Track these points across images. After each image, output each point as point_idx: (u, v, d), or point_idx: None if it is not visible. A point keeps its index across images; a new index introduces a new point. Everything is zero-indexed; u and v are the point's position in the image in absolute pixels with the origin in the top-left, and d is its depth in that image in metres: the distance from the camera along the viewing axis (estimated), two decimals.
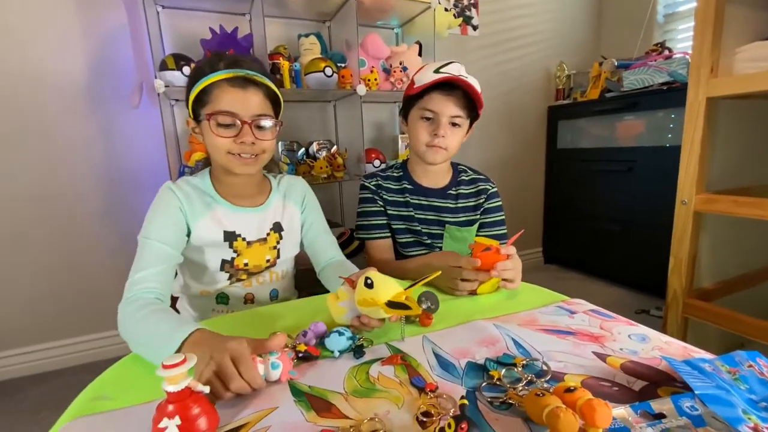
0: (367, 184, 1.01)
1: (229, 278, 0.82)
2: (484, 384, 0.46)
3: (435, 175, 1.00)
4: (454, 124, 0.90)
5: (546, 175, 2.64)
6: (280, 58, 1.47)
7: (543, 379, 0.45)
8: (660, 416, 0.39)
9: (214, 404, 0.42)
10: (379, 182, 1.00)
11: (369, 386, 0.47)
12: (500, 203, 1.03)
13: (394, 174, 1.02)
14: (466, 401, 0.40)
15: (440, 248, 1.00)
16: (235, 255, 0.80)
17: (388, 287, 0.54)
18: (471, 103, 0.90)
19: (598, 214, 2.24)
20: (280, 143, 1.62)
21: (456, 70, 0.88)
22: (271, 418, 0.42)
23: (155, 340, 0.55)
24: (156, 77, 1.26)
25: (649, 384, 0.45)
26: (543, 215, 2.70)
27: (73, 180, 1.50)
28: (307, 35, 1.59)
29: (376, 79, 1.60)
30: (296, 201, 0.89)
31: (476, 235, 1.00)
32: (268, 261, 0.84)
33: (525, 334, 0.57)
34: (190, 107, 0.74)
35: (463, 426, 0.35)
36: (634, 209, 2.01)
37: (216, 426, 0.41)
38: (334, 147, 1.72)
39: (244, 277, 0.83)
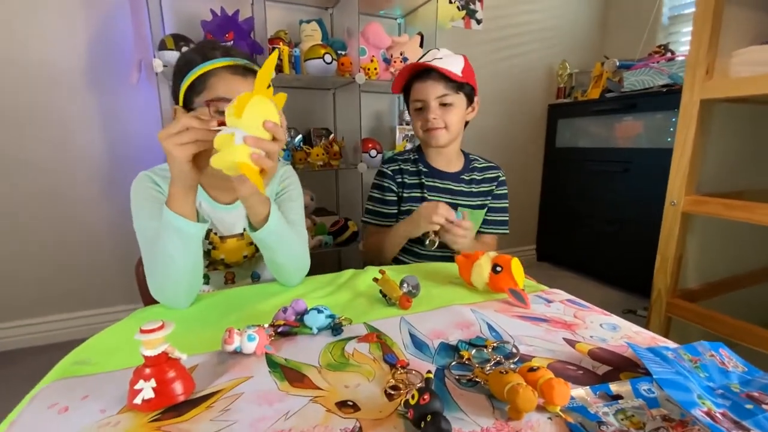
0: (385, 170, 1.04)
1: (208, 266, 0.83)
2: (453, 363, 0.47)
3: (447, 159, 1.04)
4: (444, 104, 0.94)
5: (543, 173, 2.64)
6: (281, 43, 1.47)
7: (511, 361, 0.47)
8: (617, 397, 0.40)
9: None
10: (400, 166, 1.04)
11: (343, 361, 0.48)
12: (506, 191, 1.08)
13: (411, 157, 1.06)
14: (431, 375, 0.41)
15: None
16: (211, 247, 0.81)
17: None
18: (454, 80, 0.92)
19: (592, 214, 2.26)
20: None
21: (430, 56, 0.93)
22: (244, 386, 0.43)
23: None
24: (155, 56, 1.26)
25: (613, 369, 0.46)
26: (538, 212, 2.71)
27: (73, 156, 1.51)
28: (308, 21, 1.59)
29: (376, 69, 1.60)
30: (272, 190, 0.86)
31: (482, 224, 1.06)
32: (245, 257, 0.84)
33: (500, 320, 0.59)
34: (182, 94, 0.72)
35: (425, 397, 0.36)
36: (629, 210, 2.02)
37: (191, 391, 0.42)
38: (332, 135, 1.72)
39: (221, 267, 0.84)
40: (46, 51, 1.41)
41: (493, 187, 1.05)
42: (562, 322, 0.58)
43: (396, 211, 1.04)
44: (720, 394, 0.41)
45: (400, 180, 1.03)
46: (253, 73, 0.73)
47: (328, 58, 1.45)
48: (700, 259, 1.23)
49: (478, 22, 2.21)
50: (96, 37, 1.46)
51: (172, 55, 1.27)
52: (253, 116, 0.51)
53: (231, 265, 0.85)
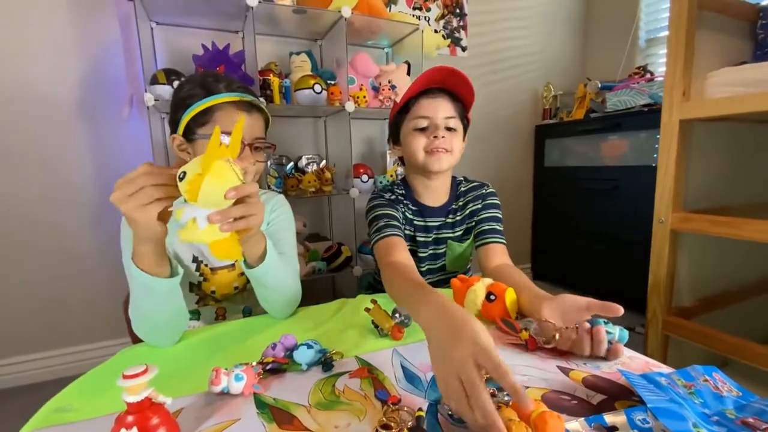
0: (384, 195, 0.94)
1: (198, 302, 0.82)
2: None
3: (436, 192, 0.94)
4: (449, 128, 0.86)
5: (534, 193, 2.68)
6: (271, 75, 1.50)
7: (504, 393, 0.46)
8: (613, 429, 0.39)
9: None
10: (398, 197, 0.94)
11: (333, 399, 0.47)
12: (495, 201, 0.97)
13: (399, 191, 0.96)
14: (423, 413, 0.40)
15: (443, 266, 0.97)
16: (202, 279, 0.80)
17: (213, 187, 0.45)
18: (460, 105, 0.88)
19: (584, 232, 2.27)
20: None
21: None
22: (231, 429, 0.42)
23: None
24: (146, 91, 1.28)
25: (608, 398, 0.45)
26: (531, 231, 2.73)
27: (63, 189, 1.50)
28: (298, 53, 1.63)
29: (365, 97, 1.64)
30: (263, 220, 0.85)
31: (479, 238, 0.93)
32: (236, 288, 0.83)
33: None
34: (183, 125, 0.72)
35: None
36: (620, 227, 2.04)
37: None
38: (323, 161, 1.74)
39: (212, 303, 0.83)
40: (38, 84, 1.43)
41: (479, 205, 0.96)
42: (555, 350, 0.57)
43: (402, 225, 0.91)
44: (715, 420, 0.40)
45: (401, 210, 0.93)
46: (257, 109, 0.75)
47: (317, 88, 1.49)
48: (692, 275, 1.24)
49: (463, 49, 2.28)
50: (89, 71, 1.49)
51: (164, 89, 1.30)
52: (210, 192, 0.45)
53: (221, 299, 0.84)
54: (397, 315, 0.65)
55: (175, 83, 1.31)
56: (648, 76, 2.10)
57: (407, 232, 0.94)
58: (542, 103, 2.60)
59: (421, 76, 0.85)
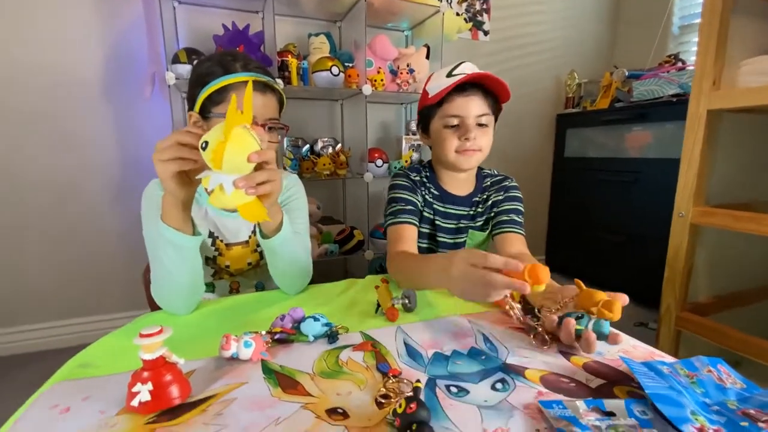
0: (409, 174, 0.94)
1: (213, 275, 0.85)
2: (444, 373, 0.47)
3: (462, 182, 0.94)
4: (480, 125, 0.85)
5: (552, 183, 2.63)
6: (289, 56, 1.51)
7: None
8: (610, 414, 0.40)
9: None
10: (422, 178, 0.94)
11: (337, 369, 0.49)
12: (517, 194, 0.96)
13: (423, 174, 0.96)
14: (420, 384, 0.41)
15: None
16: (217, 254, 0.82)
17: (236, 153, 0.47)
18: (493, 99, 0.86)
19: (602, 224, 2.23)
20: (285, 139, 1.66)
21: (469, 68, 0.84)
22: (238, 391, 0.44)
23: None
24: (168, 70, 1.30)
25: (607, 383, 0.46)
26: (547, 223, 2.69)
27: (87, 166, 1.56)
28: (317, 34, 1.63)
29: (382, 80, 1.62)
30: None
31: (497, 227, 0.92)
32: (249, 264, 0.86)
33: (496, 331, 0.59)
34: (200, 103, 0.73)
35: (412, 406, 0.36)
36: (639, 220, 1.99)
37: (187, 395, 0.43)
38: (339, 145, 1.75)
39: (226, 276, 0.86)
40: (65, 63, 1.47)
41: (500, 196, 0.95)
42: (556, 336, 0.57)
43: (419, 211, 0.92)
44: (715, 410, 0.40)
45: (422, 193, 0.94)
46: (271, 89, 0.76)
47: (335, 70, 1.48)
48: (710, 271, 1.21)
49: (485, 33, 2.23)
50: (112, 50, 1.52)
51: (185, 69, 1.32)
52: (234, 158, 0.47)
53: (235, 273, 0.87)
54: (400, 298, 0.66)
55: (196, 61, 1.33)
56: (679, 64, 2.01)
57: (426, 214, 0.94)
58: (565, 91, 2.53)
59: (458, 80, 0.82)
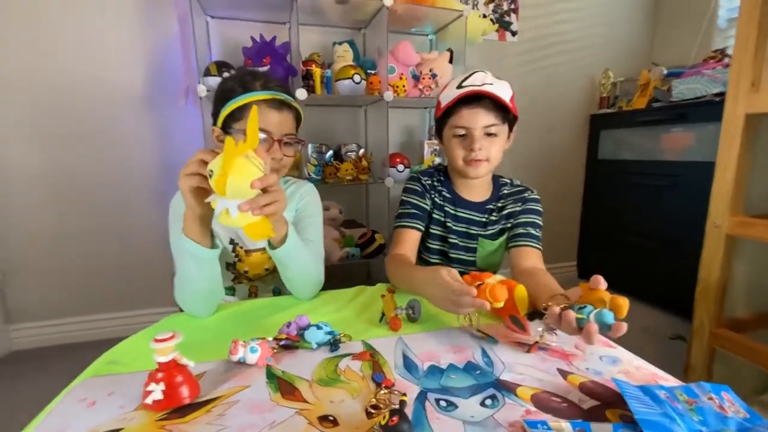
0: (421, 179, 0.97)
1: (233, 279, 0.90)
2: (437, 386, 0.48)
3: (474, 188, 0.96)
4: (489, 134, 0.86)
5: (585, 186, 2.53)
6: (313, 65, 1.55)
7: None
8: None
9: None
10: (434, 183, 0.98)
11: (334, 377, 0.51)
12: (536, 207, 0.95)
13: (437, 178, 0.99)
14: (405, 398, 0.43)
15: (473, 261, 0.97)
16: (237, 260, 0.88)
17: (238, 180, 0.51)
18: (502, 109, 0.86)
19: (637, 230, 2.12)
20: (309, 145, 1.71)
21: (479, 79, 0.84)
22: (241, 394, 0.48)
23: None
24: (199, 82, 1.38)
25: (600, 404, 0.45)
26: (579, 227, 2.59)
27: (130, 172, 1.69)
28: (341, 43, 1.67)
29: (404, 86, 1.64)
30: (292, 206, 0.89)
31: (513, 240, 0.92)
32: (267, 270, 0.90)
33: (496, 346, 0.59)
34: (222, 119, 0.78)
35: (394, 419, 0.38)
36: (676, 227, 1.88)
37: (196, 395, 0.48)
38: (362, 150, 1.78)
39: (245, 281, 0.91)
40: (111, 76, 1.60)
41: (518, 207, 0.94)
42: (560, 352, 0.57)
43: (428, 217, 0.96)
44: None
45: (432, 196, 0.97)
46: (288, 106, 0.80)
47: (357, 78, 1.52)
48: (749, 285, 1.13)
49: (513, 34, 2.18)
50: (152, 63, 1.64)
51: (215, 81, 1.39)
52: (236, 186, 0.52)
53: (254, 278, 0.92)
54: (404, 308, 0.67)
55: (225, 74, 1.40)
56: (726, 60, 1.88)
57: (437, 216, 0.96)
58: (599, 90, 2.43)
59: (462, 92, 0.85)
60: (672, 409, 0.42)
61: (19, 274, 1.64)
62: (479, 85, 0.83)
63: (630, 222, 2.17)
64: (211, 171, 0.52)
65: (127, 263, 1.76)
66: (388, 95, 1.57)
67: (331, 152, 1.72)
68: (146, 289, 1.78)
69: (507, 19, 2.15)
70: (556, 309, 0.54)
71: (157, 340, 0.46)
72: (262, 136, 0.76)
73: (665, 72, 1.98)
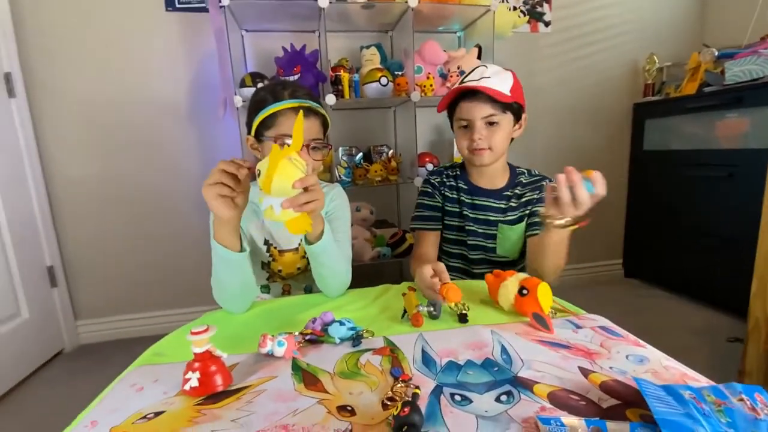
0: (431, 180, 1.07)
1: (268, 278, 0.96)
2: (453, 381, 0.49)
3: (491, 176, 1.02)
4: (491, 123, 0.92)
5: (629, 180, 2.39)
6: (342, 70, 1.60)
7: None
8: None
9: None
10: (443, 179, 1.06)
11: (355, 370, 0.54)
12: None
13: (452, 173, 1.07)
14: (419, 391, 0.44)
15: (493, 248, 1.02)
16: (271, 259, 0.93)
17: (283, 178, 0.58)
18: (502, 102, 0.90)
19: (689, 225, 1.98)
20: (340, 148, 1.76)
21: (478, 74, 0.91)
22: (268, 384, 0.52)
23: None
24: (236, 94, 1.47)
25: (620, 404, 0.44)
26: (624, 223, 2.45)
27: (178, 180, 1.82)
28: (368, 47, 1.70)
29: (431, 85, 1.64)
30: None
31: (530, 229, 0.98)
32: (299, 269, 0.95)
33: (517, 343, 0.59)
34: (255, 128, 0.84)
35: (405, 409, 0.40)
36: (734, 221, 1.73)
37: (228, 383, 0.52)
38: (391, 151, 1.80)
39: (279, 280, 0.96)
40: (156, 88, 1.75)
41: (536, 194, 0.99)
42: (584, 350, 0.56)
43: (440, 214, 1.05)
44: None
45: (441, 192, 1.05)
46: (315, 113, 0.84)
47: (384, 80, 1.54)
48: None
49: (546, 24, 2.11)
50: (194, 77, 1.76)
51: (250, 92, 1.47)
52: (279, 186, 0.59)
53: (287, 277, 0.97)
54: (426, 305, 0.69)
55: (259, 85, 1.48)
56: None
57: (450, 208, 1.04)
58: (644, 77, 2.28)
59: (448, 92, 0.96)
60: (697, 410, 0.40)
61: (83, 275, 1.82)
62: (477, 80, 0.89)
63: (681, 216, 2.02)
64: (259, 171, 0.59)
65: (179, 265, 1.90)
66: (415, 95, 1.58)
67: (360, 154, 1.76)
68: (195, 289, 1.91)
69: (539, 9, 2.09)
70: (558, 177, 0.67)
71: (193, 333, 0.50)
72: (287, 143, 0.80)
73: (716, 54, 1.83)
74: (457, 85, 0.93)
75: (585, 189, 0.67)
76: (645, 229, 2.30)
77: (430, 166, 1.69)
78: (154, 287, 1.90)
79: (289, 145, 0.60)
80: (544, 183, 1.00)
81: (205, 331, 0.51)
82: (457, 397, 0.47)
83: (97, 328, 1.87)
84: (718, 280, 1.83)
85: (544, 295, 0.65)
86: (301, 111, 0.65)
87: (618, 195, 2.41)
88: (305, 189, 0.62)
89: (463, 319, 0.67)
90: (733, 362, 1.25)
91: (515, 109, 0.94)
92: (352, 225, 1.69)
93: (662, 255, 2.17)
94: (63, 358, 1.73)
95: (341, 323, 0.62)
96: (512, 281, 0.68)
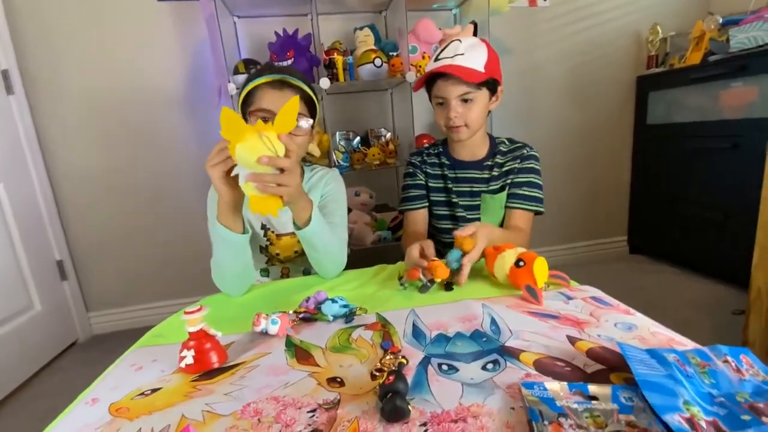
0: (412, 160, 1.11)
1: (267, 262, 0.97)
2: (441, 352, 0.50)
3: (471, 149, 1.04)
4: (465, 100, 0.93)
5: (633, 154, 2.35)
6: (335, 53, 1.58)
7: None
8: (593, 398, 0.39)
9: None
10: (424, 158, 1.09)
11: (346, 345, 0.55)
12: (535, 165, 1.01)
13: (434, 151, 1.10)
14: (404, 360, 0.45)
15: (478, 219, 1.04)
16: (269, 243, 0.94)
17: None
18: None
19: (694, 199, 1.95)
20: (337, 133, 1.75)
21: (452, 51, 0.90)
22: (262, 360, 0.53)
23: None
24: (230, 81, 1.46)
25: (605, 369, 0.45)
26: (629, 199, 2.42)
27: (173, 166, 1.83)
28: (361, 28, 1.67)
29: (426, 65, 1.61)
30: (317, 193, 0.94)
31: (507, 200, 1.01)
32: (296, 252, 0.96)
33: (508, 315, 0.59)
34: (239, 109, 0.86)
35: (390, 378, 0.41)
36: (739, 193, 1.70)
37: (223, 361, 0.53)
38: (389, 134, 1.79)
39: (277, 263, 0.98)
40: (153, 80, 1.74)
41: (516, 164, 1.01)
42: (573, 320, 0.56)
43: (425, 192, 1.08)
44: (719, 402, 0.38)
45: (423, 170, 1.08)
46: (289, 85, 0.83)
47: (378, 61, 1.52)
48: None
49: None
50: (187, 66, 1.75)
51: (244, 78, 1.46)
52: (242, 156, 0.59)
53: (285, 260, 0.98)
54: (422, 277, 0.70)
55: (252, 71, 1.47)
56: None
57: (434, 184, 1.07)
58: (647, 49, 2.22)
59: (423, 75, 0.97)
60: (680, 372, 0.40)
61: (92, 268, 1.86)
62: (451, 57, 0.89)
63: (686, 190, 1.99)
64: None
65: (185, 254, 1.92)
66: (410, 75, 1.56)
67: (358, 138, 1.75)
68: (201, 278, 1.94)
69: None
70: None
71: (186, 313, 0.52)
72: (267, 116, 0.79)
73: (721, 21, 1.77)
74: (431, 63, 0.93)
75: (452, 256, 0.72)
76: (649, 205, 2.27)
77: None
78: (164, 277, 1.93)
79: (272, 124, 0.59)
80: (524, 150, 1.02)
81: (198, 310, 0.52)
82: (444, 367, 0.47)
83: (109, 319, 1.92)
84: (723, 253, 1.82)
85: (540, 269, 0.65)
86: (296, 98, 0.62)
87: (622, 170, 2.38)
88: (281, 171, 0.61)
89: (448, 287, 0.70)
90: (738, 334, 1.25)
91: (490, 83, 0.94)
92: (351, 210, 1.71)
93: (667, 230, 2.15)
94: (77, 349, 1.79)
95: (334, 301, 0.63)
96: (510, 253, 0.68)
